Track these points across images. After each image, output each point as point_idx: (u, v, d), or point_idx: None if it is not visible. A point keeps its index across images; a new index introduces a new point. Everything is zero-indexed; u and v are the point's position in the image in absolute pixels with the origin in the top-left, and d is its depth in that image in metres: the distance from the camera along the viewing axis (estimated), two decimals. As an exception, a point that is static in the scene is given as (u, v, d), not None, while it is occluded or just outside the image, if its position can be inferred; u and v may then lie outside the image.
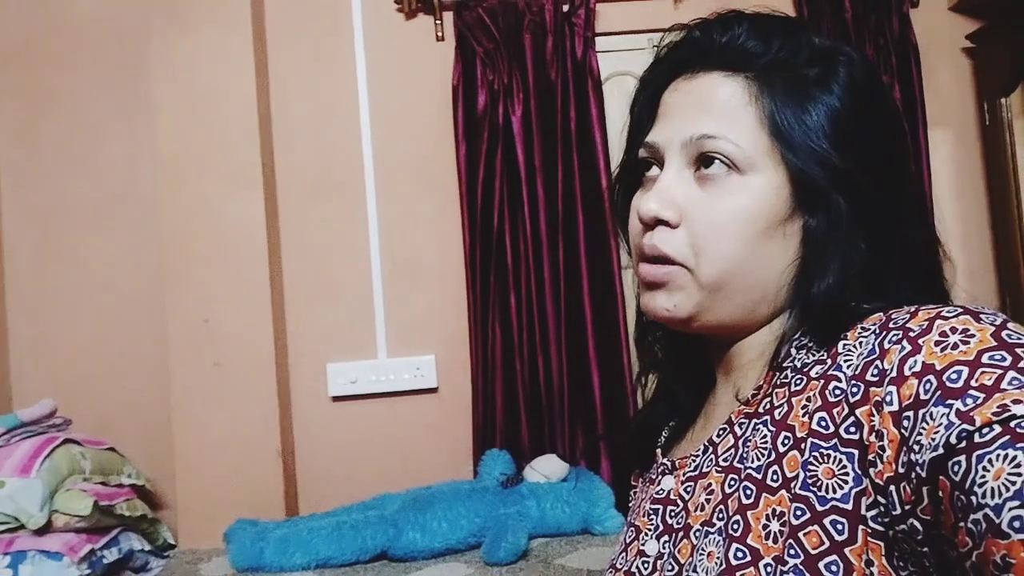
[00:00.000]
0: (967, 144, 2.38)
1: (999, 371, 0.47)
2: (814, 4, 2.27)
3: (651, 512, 0.71)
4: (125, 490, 2.04)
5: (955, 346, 0.50)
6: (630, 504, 0.83)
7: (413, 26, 2.35)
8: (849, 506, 0.52)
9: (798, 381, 0.61)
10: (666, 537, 0.68)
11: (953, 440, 0.46)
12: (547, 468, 2.05)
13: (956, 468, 0.46)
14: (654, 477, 0.75)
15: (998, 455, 0.44)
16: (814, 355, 0.61)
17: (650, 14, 2.33)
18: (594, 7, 2.27)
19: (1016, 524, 0.42)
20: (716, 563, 0.58)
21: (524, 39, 2.25)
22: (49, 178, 2.33)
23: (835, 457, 0.54)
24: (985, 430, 0.45)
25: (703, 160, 0.65)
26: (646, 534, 0.71)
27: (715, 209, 0.64)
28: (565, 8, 2.26)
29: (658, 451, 0.78)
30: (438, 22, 2.32)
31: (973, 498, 0.44)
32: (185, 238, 2.16)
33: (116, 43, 2.33)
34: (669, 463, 0.73)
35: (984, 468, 0.44)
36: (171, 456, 2.13)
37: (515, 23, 2.25)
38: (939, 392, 0.48)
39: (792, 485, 0.56)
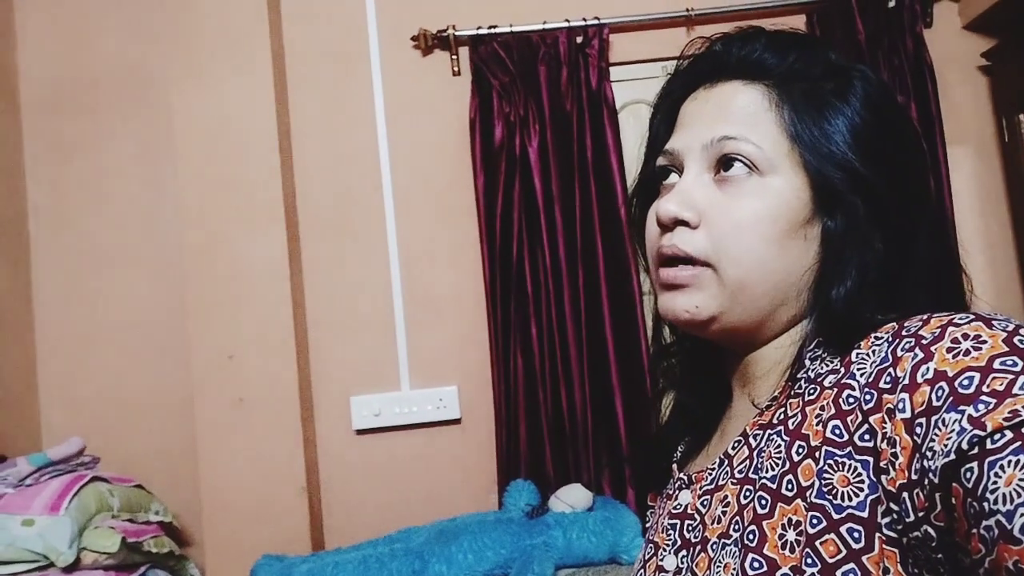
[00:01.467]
0: (987, 161, 2.36)
1: (1011, 376, 0.47)
2: (826, 26, 2.29)
3: (669, 527, 0.71)
4: (152, 527, 2.05)
5: (967, 352, 0.50)
6: (647, 524, 0.83)
7: (429, 62, 2.39)
8: (865, 514, 0.52)
9: (812, 391, 0.61)
10: (684, 552, 0.67)
11: (965, 446, 0.46)
12: (572, 497, 2.03)
13: (968, 475, 0.45)
14: (671, 493, 0.75)
15: (1009, 461, 0.44)
16: (827, 365, 0.61)
17: (663, 43, 2.35)
18: (607, 37, 2.29)
19: None
20: (732, 575, 0.58)
21: (539, 71, 2.28)
22: (76, 221, 2.39)
23: (850, 465, 0.54)
24: (997, 436, 0.45)
25: (723, 163, 0.66)
26: (664, 549, 0.70)
27: (736, 209, 0.65)
28: (579, 39, 2.29)
29: (674, 467, 0.78)
30: (454, 57, 2.36)
31: (985, 504, 0.44)
32: (209, 276, 2.19)
33: (139, 89, 2.39)
34: (686, 477, 0.73)
35: (996, 474, 0.44)
36: (197, 492, 2.14)
37: (530, 56, 2.28)
38: (951, 398, 0.48)
39: (807, 494, 0.56)
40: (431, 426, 2.30)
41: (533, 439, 2.20)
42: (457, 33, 2.32)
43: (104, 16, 2.42)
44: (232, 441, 2.15)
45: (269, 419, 2.17)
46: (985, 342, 0.50)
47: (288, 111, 2.34)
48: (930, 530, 0.49)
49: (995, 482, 0.44)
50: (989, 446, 0.45)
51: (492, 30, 2.29)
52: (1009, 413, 0.45)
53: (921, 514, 0.49)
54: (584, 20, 2.28)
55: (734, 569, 0.58)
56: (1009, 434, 0.45)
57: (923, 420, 0.49)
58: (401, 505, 2.24)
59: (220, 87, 2.22)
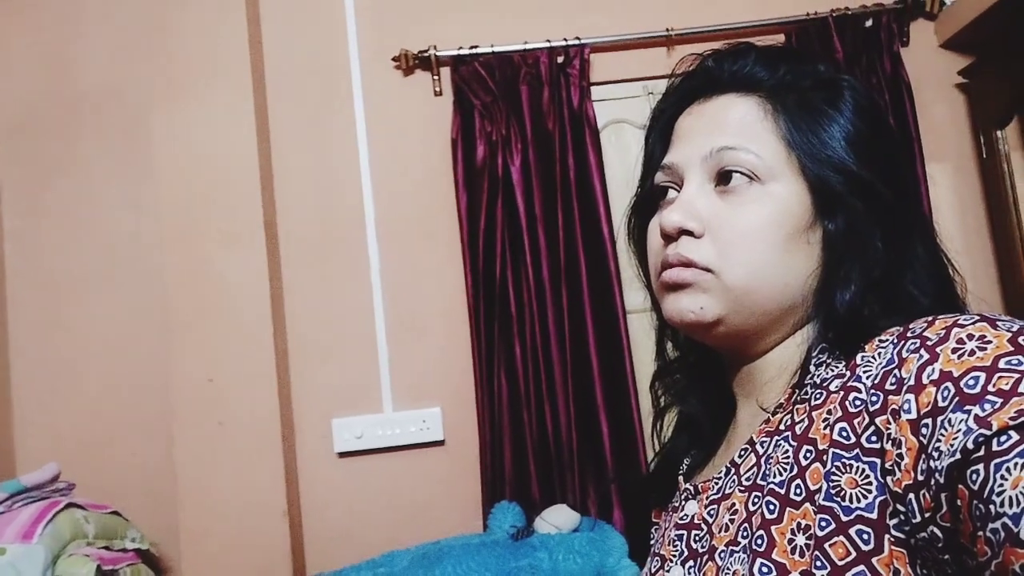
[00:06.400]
0: (966, 178, 2.38)
1: (1016, 375, 0.47)
2: (805, 45, 2.31)
3: (675, 539, 0.71)
4: (129, 555, 2.00)
5: (972, 352, 0.50)
6: (651, 543, 0.82)
7: (411, 82, 2.39)
8: (874, 515, 0.52)
9: (818, 396, 0.61)
10: (691, 562, 0.67)
11: (970, 446, 0.46)
12: (558, 519, 2.01)
13: (974, 476, 0.45)
14: (677, 505, 0.74)
15: (1016, 463, 0.43)
16: (833, 370, 0.62)
17: (644, 62, 2.37)
18: (588, 57, 2.30)
19: None
20: None
21: (520, 91, 2.28)
22: (53, 245, 2.35)
23: (858, 467, 0.54)
24: (1003, 437, 0.45)
25: (723, 173, 0.67)
26: (671, 561, 0.70)
27: (739, 217, 0.65)
28: (560, 59, 2.30)
29: (680, 478, 0.77)
30: (435, 77, 2.36)
31: (991, 507, 0.44)
32: (188, 299, 2.16)
33: (119, 110, 2.37)
34: (692, 487, 0.73)
35: (1002, 477, 0.44)
36: (176, 518, 2.10)
37: (511, 76, 2.28)
38: (957, 399, 0.48)
39: (816, 497, 0.55)
40: (414, 448, 2.27)
41: (518, 460, 2.17)
42: (438, 53, 2.32)
43: (83, 38, 2.41)
44: (212, 465, 2.11)
45: (250, 443, 2.13)
46: (990, 342, 0.50)
47: (269, 132, 2.33)
48: (936, 531, 0.48)
49: (1001, 484, 0.44)
50: (995, 448, 0.45)
51: (473, 50, 2.29)
52: (1015, 413, 0.45)
53: (927, 515, 0.49)
54: (565, 40, 2.29)
55: (742, 575, 0.57)
56: (1015, 435, 0.44)
57: (929, 421, 0.49)
58: (384, 529, 2.20)
59: (200, 108, 2.21)
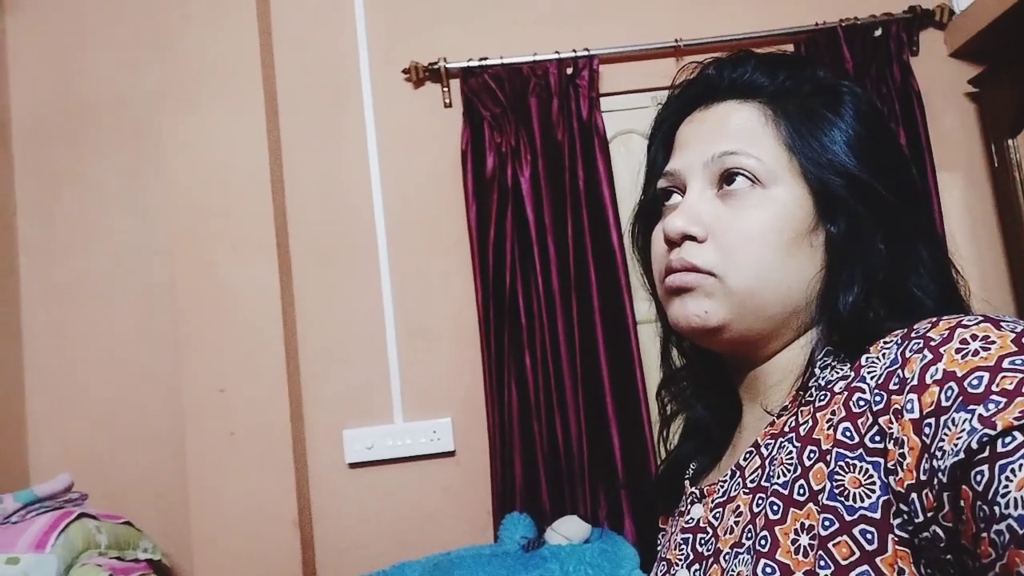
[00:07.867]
0: (977, 187, 2.37)
1: (1020, 375, 0.47)
2: (814, 55, 2.31)
3: (681, 543, 0.71)
4: (141, 565, 2.01)
5: (976, 352, 0.50)
6: (658, 548, 0.82)
7: (421, 94, 2.40)
8: (878, 515, 0.52)
9: (822, 397, 0.61)
10: (696, 565, 0.67)
11: (975, 446, 0.45)
12: (568, 529, 2.00)
13: (979, 478, 0.45)
14: (683, 509, 0.74)
15: (1021, 465, 0.43)
16: (837, 372, 0.62)
17: (653, 73, 2.37)
18: (597, 68, 2.31)
19: None
20: None
21: (530, 102, 2.29)
22: (65, 255, 2.37)
23: (861, 467, 0.54)
24: (1007, 438, 0.44)
25: (726, 178, 0.67)
26: (676, 565, 0.70)
27: (741, 222, 0.66)
28: (569, 71, 2.31)
29: (686, 483, 0.78)
30: (445, 89, 2.37)
31: (996, 508, 0.44)
32: (199, 309, 2.17)
33: (130, 121, 2.39)
34: (697, 491, 0.73)
35: (1007, 478, 0.44)
36: (187, 528, 2.10)
37: (520, 87, 2.29)
38: (961, 398, 0.48)
39: (819, 497, 0.55)
40: (425, 459, 2.27)
41: (528, 471, 2.17)
42: (448, 65, 2.34)
43: (95, 47, 2.43)
44: (223, 476, 2.12)
45: (261, 453, 2.14)
46: (994, 342, 0.50)
47: (280, 142, 2.34)
48: (939, 531, 0.48)
49: (1006, 486, 0.43)
50: (1000, 448, 0.45)
51: (483, 62, 2.31)
52: (1020, 413, 0.45)
53: (930, 514, 0.49)
54: (574, 51, 2.30)
55: None
56: (1020, 436, 0.44)
57: (932, 420, 0.49)
58: (395, 539, 2.20)
59: (211, 118, 2.23)
